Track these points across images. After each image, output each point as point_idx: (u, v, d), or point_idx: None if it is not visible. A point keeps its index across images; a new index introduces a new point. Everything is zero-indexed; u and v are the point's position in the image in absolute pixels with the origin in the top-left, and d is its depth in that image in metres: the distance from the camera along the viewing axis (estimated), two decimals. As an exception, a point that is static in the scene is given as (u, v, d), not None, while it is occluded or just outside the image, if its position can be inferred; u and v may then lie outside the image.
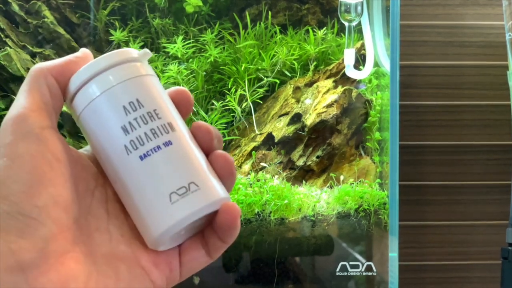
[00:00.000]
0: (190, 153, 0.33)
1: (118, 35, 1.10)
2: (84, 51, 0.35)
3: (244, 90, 1.09)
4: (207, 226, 0.34)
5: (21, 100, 0.32)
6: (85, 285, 0.30)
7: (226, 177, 0.34)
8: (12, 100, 1.07)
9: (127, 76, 0.33)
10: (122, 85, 0.33)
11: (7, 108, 1.07)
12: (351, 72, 1.03)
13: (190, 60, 1.10)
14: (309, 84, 1.11)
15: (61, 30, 1.11)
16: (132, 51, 0.34)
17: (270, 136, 1.08)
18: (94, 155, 0.35)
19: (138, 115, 0.32)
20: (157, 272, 0.33)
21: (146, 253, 0.33)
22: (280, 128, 1.08)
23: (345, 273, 0.98)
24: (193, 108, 0.36)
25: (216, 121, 1.07)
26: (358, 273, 0.98)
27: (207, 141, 0.34)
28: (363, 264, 0.98)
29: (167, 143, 0.32)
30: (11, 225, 0.28)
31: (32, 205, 0.29)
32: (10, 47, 1.06)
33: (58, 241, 0.29)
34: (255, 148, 1.07)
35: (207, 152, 0.34)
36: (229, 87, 1.09)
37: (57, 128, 0.33)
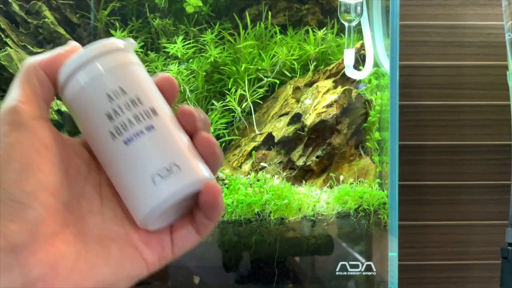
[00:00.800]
0: (172, 136, 0.34)
1: (118, 35, 1.10)
2: (72, 44, 0.36)
3: (244, 90, 1.09)
4: (195, 205, 0.36)
5: (13, 93, 0.34)
6: (74, 264, 0.32)
7: (209, 158, 0.35)
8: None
9: (111, 64, 0.35)
10: (106, 74, 0.34)
11: (7, 108, 1.07)
12: (351, 72, 1.04)
13: (190, 60, 1.10)
14: (309, 84, 1.12)
15: (61, 30, 1.11)
16: (117, 41, 0.36)
17: (270, 136, 1.08)
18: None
19: (122, 102, 0.34)
20: (149, 250, 0.35)
21: (137, 233, 0.35)
22: (280, 128, 1.08)
23: (345, 273, 0.98)
24: (178, 93, 0.38)
25: (216, 121, 1.07)
26: (358, 273, 0.98)
27: (191, 124, 0.35)
28: (362, 264, 0.98)
29: (150, 128, 0.34)
30: (2, 211, 0.30)
31: (21, 190, 0.31)
32: (11, 47, 1.07)
33: (47, 224, 0.31)
34: (255, 148, 1.07)
35: (192, 135, 0.36)
36: (229, 87, 1.09)
37: (48, 118, 0.34)
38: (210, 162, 0.35)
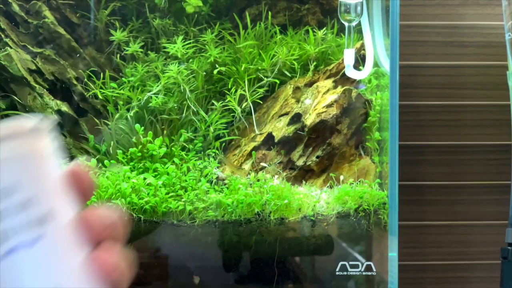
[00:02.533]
0: (62, 251, 0.27)
1: (118, 35, 1.10)
2: None
3: (244, 90, 1.09)
4: None
5: None
6: None
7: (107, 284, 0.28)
8: (12, 100, 1.07)
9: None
10: None
11: (7, 108, 1.07)
12: (351, 72, 1.04)
13: (190, 60, 1.10)
14: (309, 84, 1.12)
15: (61, 30, 1.11)
16: (24, 124, 0.28)
17: (270, 136, 1.08)
18: None
19: (6, 205, 0.26)
20: None
21: None
22: (280, 128, 1.08)
23: (345, 273, 0.98)
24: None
25: (216, 121, 1.07)
26: (357, 273, 0.98)
27: (95, 232, 0.28)
28: (362, 264, 0.98)
29: (35, 239, 0.26)
30: None
31: None
32: (11, 47, 1.07)
33: None
34: (255, 148, 1.07)
35: (96, 245, 0.28)
36: (229, 87, 1.09)
37: None
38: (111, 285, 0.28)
